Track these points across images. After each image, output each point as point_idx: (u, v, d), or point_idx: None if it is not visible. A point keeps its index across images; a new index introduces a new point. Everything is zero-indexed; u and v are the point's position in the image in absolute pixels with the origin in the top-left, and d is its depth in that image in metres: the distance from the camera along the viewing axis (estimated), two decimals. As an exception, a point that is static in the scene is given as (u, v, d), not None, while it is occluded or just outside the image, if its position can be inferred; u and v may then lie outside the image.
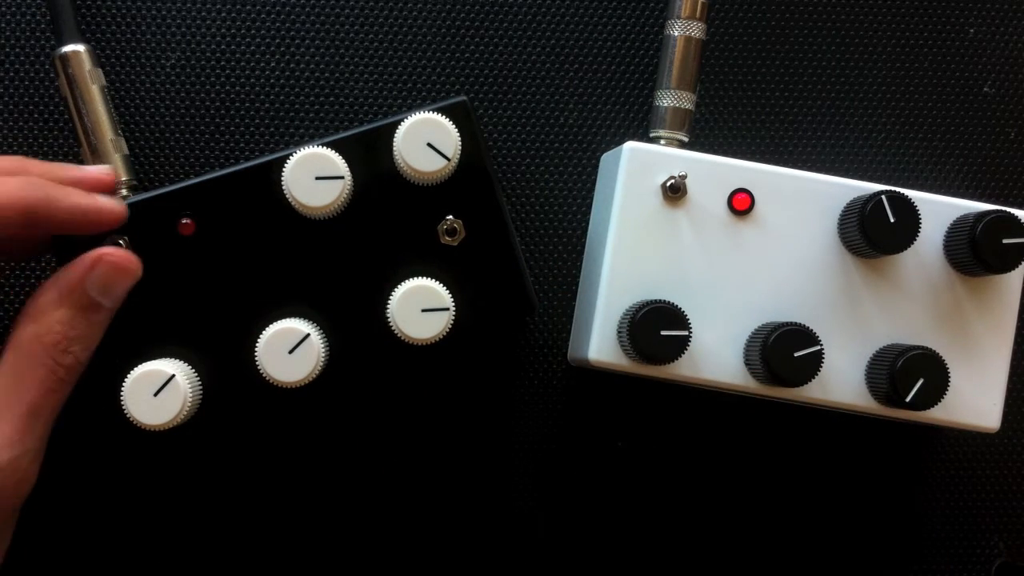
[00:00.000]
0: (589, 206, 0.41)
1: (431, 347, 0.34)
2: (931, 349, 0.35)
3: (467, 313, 0.35)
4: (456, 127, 0.34)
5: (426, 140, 0.33)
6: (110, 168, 0.35)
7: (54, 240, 0.33)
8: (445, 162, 0.34)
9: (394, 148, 0.34)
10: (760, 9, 0.42)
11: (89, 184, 0.34)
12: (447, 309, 0.33)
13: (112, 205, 0.33)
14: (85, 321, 0.32)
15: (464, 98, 0.35)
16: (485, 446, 0.41)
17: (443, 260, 0.35)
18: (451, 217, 0.35)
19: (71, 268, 0.32)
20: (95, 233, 0.33)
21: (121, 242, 0.34)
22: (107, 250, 0.32)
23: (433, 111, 0.34)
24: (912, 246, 0.35)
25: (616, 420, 0.41)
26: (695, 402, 0.41)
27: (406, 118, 0.33)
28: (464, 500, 0.41)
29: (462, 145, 0.34)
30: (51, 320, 0.31)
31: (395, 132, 0.34)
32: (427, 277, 0.34)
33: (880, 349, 0.37)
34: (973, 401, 0.37)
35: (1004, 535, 0.43)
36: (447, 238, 0.35)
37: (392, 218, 0.35)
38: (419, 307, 0.33)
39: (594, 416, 0.41)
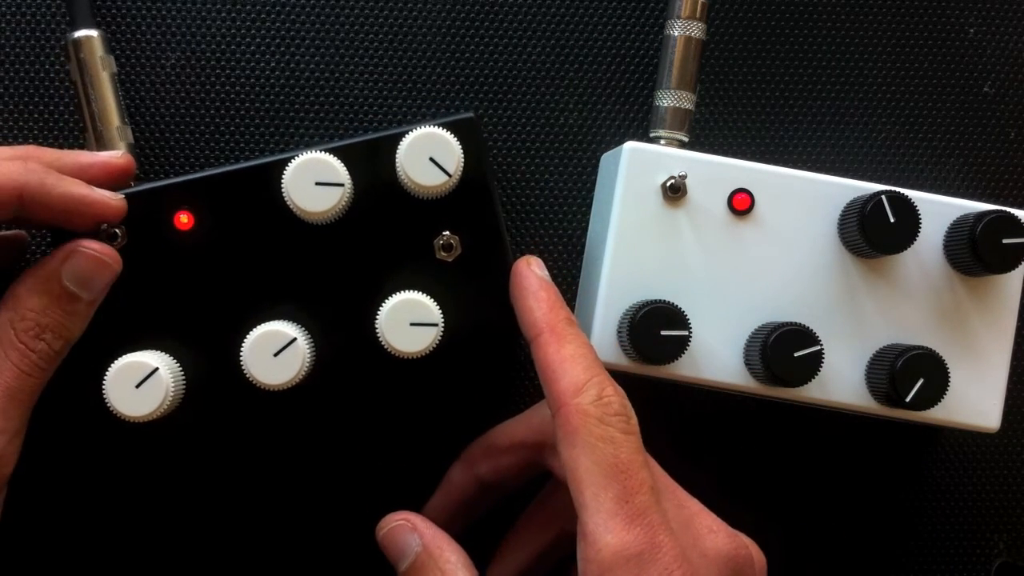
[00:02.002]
0: (589, 206, 0.41)
1: (418, 361, 0.34)
2: (931, 349, 0.35)
3: (457, 330, 0.34)
4: (460, 143, 0.34)
5: (429, 154, 0.33)
6: (123, 152, 0.35)
7: (54, 236, 0.33)
8: (446, 178, 0.33)
9: (396, 160, 0.34)
10: (760, 9, 0.42)
11: (99, 169, 0.33)
12: (436, 325, 0.33)
13: (107, 198, 0.33)
14: (60, 310, 0.32)
15: (471, 114, 0.35)
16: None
17: (437, 275, 0.35)
18: (448, 233, 0.35)
19: (48, 257, 0.32)
20: (91, 225, 0.33)
21: (117, 231, 0.34)
22: (84, 241, 0.32)
23: (438, 126, 0.34)
24: (912, 246, 0.35)
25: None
26: (695, 402, 0.41)
27: (411, 131, 0.33)
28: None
29: (465, 162, 0.34)
30: (24, 307, 0.31)
31: (399, 144, 0.34)
32: (419, 291, 0.34)
33: (880, 349, 0.37)
34: (973, 401, 0.37)
35: (1004, 535, 0.43)
36: (443, 253, 0.35)
37: (389, 229, 0.35)
38: (408, 320, 0.33)
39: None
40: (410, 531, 0.33)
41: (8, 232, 0.37)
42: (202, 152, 0.40)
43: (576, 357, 0.31)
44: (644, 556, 0.28)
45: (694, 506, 0.31)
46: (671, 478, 0.32)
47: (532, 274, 0.34)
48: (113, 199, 0.33)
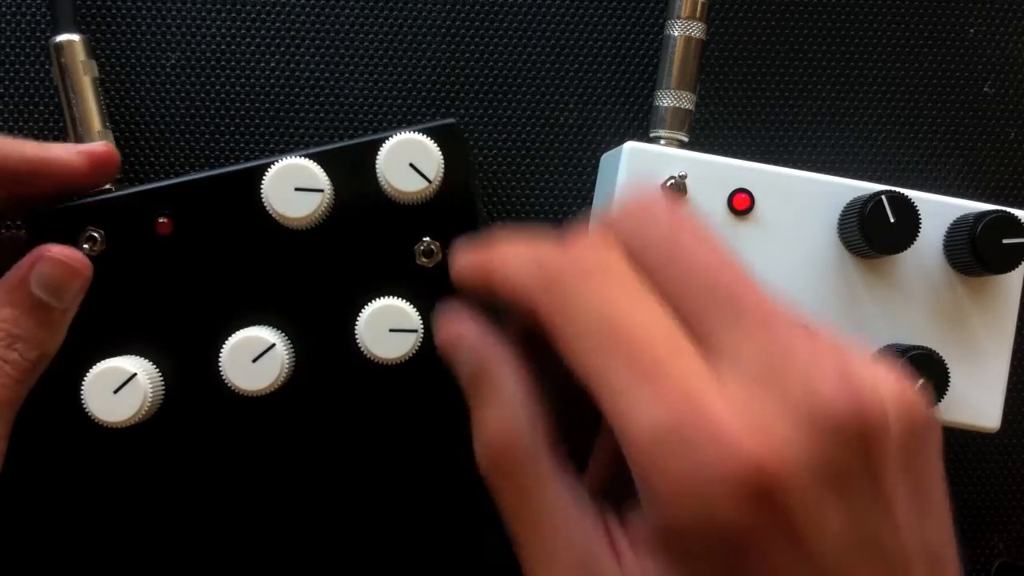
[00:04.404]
0: (589, 206, 0.41)
1: (398, 367, 0.34)
2: (931, 349, 0.35)
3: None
4: (442, 149, 0.34)
5: (409, 160, 0.33)
6: (104, 143, 0.34)
7: (27, 218, 0.33)
8: (426, 184, 0.33)
9: (377, 166, 0.34)
10: (760, 9, 0.42)
11: (78, 158, 0.33)
12: (416, 331, 0.33)
13: (92, 146, 0.32)
14: (31, 320, 0.31)
15: (453, 120, 0.35)
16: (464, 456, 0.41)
17: (418, 281, 0.35)
18: (429, 239, 0.35)
19: (15, 267, 0.32)
20: (78, 188, 0.32)
21: (97, 235, 0.34)
22: (51, 247, 0.32)
23: (419, 131, 0.34)
24: (912, 246, 0.35)
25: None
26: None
27: (391, 136, 0.33)
28: (453, 498, 0.41)
29: (446, 168, 0.34)
30: None
31: (379, 149, 0.33)
32: (399, 297, 0.34)
33: (880, 349, 0.37)
34: (973, 401, 0.37)
35: (1004, 535, 0.43)
36: (423, 259, 0.35)
37: (370, 235, 0.35)
38: (387, 326, 0.33)
39: (594, 416, 0.41)
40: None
41: (4, 234, 0.37)
42: (202, 152, 0.40)
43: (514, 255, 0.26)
44: (685, 426, 0.20)
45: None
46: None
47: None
48: (98, 146, 0.32)
